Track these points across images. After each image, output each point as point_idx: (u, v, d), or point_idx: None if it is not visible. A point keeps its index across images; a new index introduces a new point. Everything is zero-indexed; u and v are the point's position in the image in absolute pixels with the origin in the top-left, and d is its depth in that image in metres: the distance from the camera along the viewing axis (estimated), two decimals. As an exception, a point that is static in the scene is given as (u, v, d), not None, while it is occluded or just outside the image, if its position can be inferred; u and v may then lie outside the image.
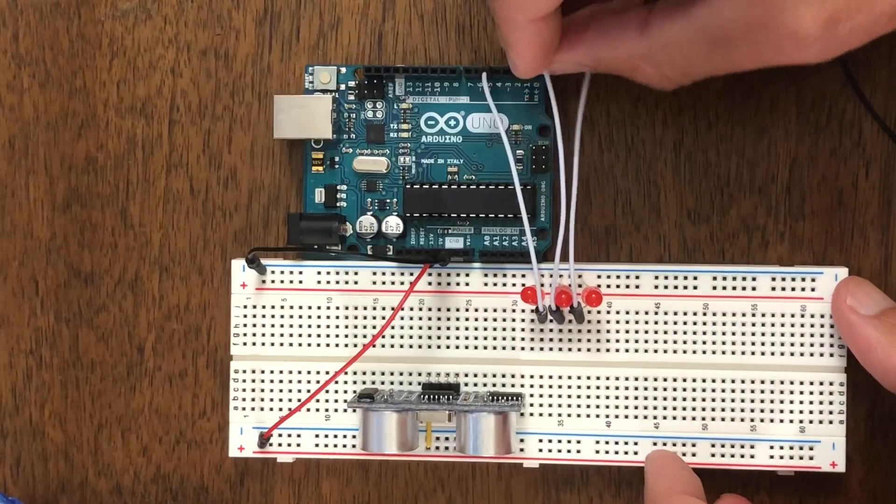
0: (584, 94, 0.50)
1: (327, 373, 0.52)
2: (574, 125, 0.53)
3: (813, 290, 0.50)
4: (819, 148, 0.52)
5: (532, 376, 0.52)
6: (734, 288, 0.51)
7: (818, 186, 0.52)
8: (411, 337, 0.52)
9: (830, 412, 0.50)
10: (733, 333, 0.51)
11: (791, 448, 0.51)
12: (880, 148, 0.52)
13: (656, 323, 0.51)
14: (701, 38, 0.44)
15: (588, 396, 0.52)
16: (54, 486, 0.56)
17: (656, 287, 0.51)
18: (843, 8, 0.42)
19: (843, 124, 0.52)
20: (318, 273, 0.52)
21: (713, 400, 0.51)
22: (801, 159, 0.52)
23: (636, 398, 0.51)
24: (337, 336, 0.52)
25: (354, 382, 0.53)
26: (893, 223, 0.52)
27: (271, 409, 0.53)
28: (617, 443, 0.51)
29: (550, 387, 0.52)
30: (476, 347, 0.52)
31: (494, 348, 0.52)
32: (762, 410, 0.51)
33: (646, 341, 0.51)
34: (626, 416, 0.51)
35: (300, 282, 0.52)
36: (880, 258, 0.52)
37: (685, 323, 0.51)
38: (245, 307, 0.53)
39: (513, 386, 0.52)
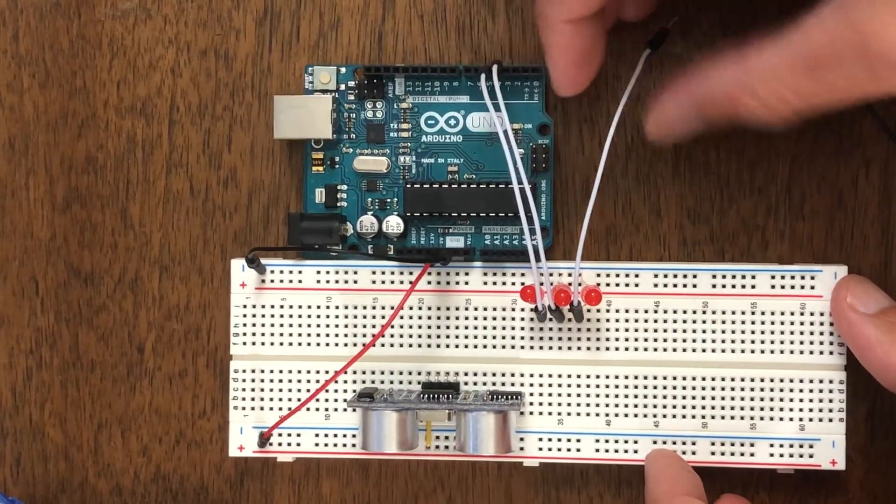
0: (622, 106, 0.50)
1: (327, 372, 0.52)
2: (572, 124, 0.53)
3: (812, 288, 0.50)
4: (819, 148, 0.52)
5: (532, 375, 0.52)
6: (734, 286, 0.51)
7: (818, 186, 0.52)
8: (411, 336, 0.52)
9: (830, 410, 0.50)
10: (733, 332, 0.51)
11: (791, 446, 0.51)
12: (880, 148, 0.52)
13: (656, 321, 0.51)
14: (796, 64, 0.43)
15: (588, 395, 0.52)
16: (54, 486, 0.56)
17: (656, 286, 0.51)
18: None
19: (843, 124, 0.52)
20: (318, 273, 0.52)
21: (713, 398, 0.51)
22: (801, 159, 0.52)
23: (636, 397, 0.51)
24: (337, 336, 0.52)
25: (354, 382, 0.53)
26: (893, 223, 0.52)
27: (271, 409, 0.53)
28: (617, 441, 0.51)
29: (550, 385, 0.52)
30: (476, 346, 0.52)
31: (494, 347, 0.52)
32: (762, 409, 0.51)
33: (645, 340, 0.51)
34: (626, 415, 0.51)
35: (300, 281, 0.52)
36: (880, 258, 0.52)
37: (685, 321, 0.51)
38: (245, 307, 0.53)
39: (512, 385, 0.52)
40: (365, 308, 0.52)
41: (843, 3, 0.42)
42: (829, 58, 0.43)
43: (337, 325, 0.52)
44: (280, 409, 0.53)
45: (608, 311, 0.51)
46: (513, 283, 0.52)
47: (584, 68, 0.49)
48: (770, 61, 0.45)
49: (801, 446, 0.51)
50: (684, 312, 0.51)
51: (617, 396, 0.51)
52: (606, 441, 0.52)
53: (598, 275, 0.51)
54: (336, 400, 0.53)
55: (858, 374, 0.49)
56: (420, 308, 0.52)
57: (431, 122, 0.53)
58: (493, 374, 0.52)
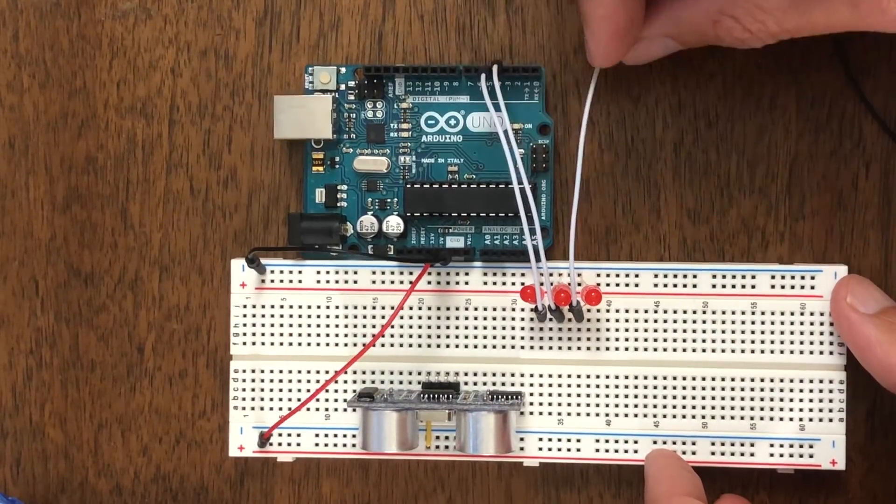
0: (591, 91, 0.50)
1: (327, 372, 0.52)
2: (572, 124, 0.53)
3: (812, 287, 0.50)
4: (819, 148, 0.52)
5: (532, 375, 0.52)
6: (734, 286, 0.51)
7: (818, 186, 0.52)
8: (411, 336, 0.52)
9: (830, 410, 0.50)
10: (733, 332, 0.51)
11: (791, 446, 0.51)
12: (880, 148, 0.52)
13: (656, 321, 0.51)
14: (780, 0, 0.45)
15: (588, 395, 0.52)
16: (54, 486, 0.56)
17: (656, 285, 0.51)
18: None
19: (843, 124, 0.52)
20: (318, 273, 0.52)
21: (713, 398, 0.51)
22: (801, 159, 0.52)
23: (636, 397, 0.51)
24: (336, 336, 0.52)
25: (354, 382, 0.53)
26: (893, 223, 0.52)
27: (271, 409, 0.53)
28: (617, 441, 0.51)
29: (550, 385, 0.52)
30: (476, 346, 0.52)
31: (494, 347, 0.52)
32: (762, 408, 0.51)
33: (645, 340, 0.51)
34: (626, 415, 0.51)
35: (300, 281, 0.52)
36: (880, 258, 0.52)
37: (685, 321, 0.51)
38: (245, 307, 0.53)
39: (512, 385, 0.52)
40: (365, 308, 0.52)
41: None
42: None
43: (337, 325, 0.52)
44: (280, 409, 0.53)
45: (608, 311, 0.51)
46: (513, 283, 0.52)
47: (623, 40, 0.48)
48: None
49: (801, 446, 0.51)
50: (684, 312, 0.51)
51: (617, 396, 0.51)
52: (606, 441, 0.52)
53: (598, 275, 0.51)
54: (336, 400, 0.53)
55: (858, 374, 0.49)
56: (420, 308, 0.52)
57: (431, 122, 0.53)
58: (493, 374, 0.52)
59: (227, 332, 0.55)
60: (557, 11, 0.53)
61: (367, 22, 0.54)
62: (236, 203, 0.55)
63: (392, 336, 0.52)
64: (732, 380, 0.51)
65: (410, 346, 0.52)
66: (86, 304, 0.55)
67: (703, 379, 0.51)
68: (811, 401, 0.50)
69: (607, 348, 0.51)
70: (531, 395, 0.52)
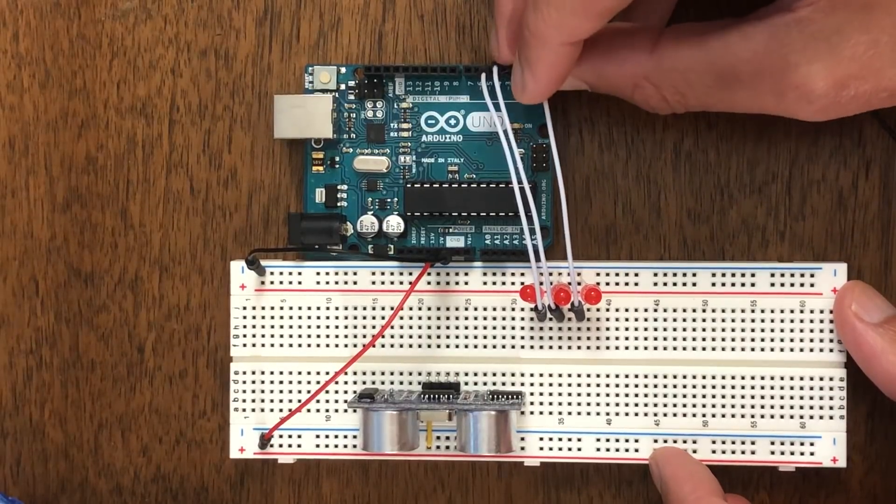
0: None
1: (327, 373, 0.52)
2: (572, 124, 0.53)
3: (812, 285, 0.50)
4: (819, 148, 0.52)
5: (532, 374, 0.52)
6: (733, 284, 0.51)
7: (818, 186, 0.52)
8: (411, 336, 0.52)
9: (831, 407, 0.50)
10: (733, 330, 0.51)
11: (792, 444, 0.51)
12: (880, 148, 0.52)
13: (656, 320, 0.51)
14: (708, 70, 0.45)
15: (588, 394, 0.52)
16: (54, 486, 0.56)
17: (655, 284, 0.51)
18: (853, 75, 0.43)
19: (843, 124, 0.52)
20: (318, 273, 0.52)
21: (713, 396, 0.51)
22: (801, 159, 0.52)
23: (636, 396, 0.51)
24: (337, 336, 0.52)
25: (354, 382, 0.53)
26: (893, 223, 0.52)
27: (272, 410, 0.53)
28: (618, 440, 0.51)
29: (551, 385, 0.52)
30: (476, 346, 0.52)
31: (494, 347, 0.52)
32: (762, 406, 0.51)
33: (645, 339, 0.51)
34: (627, 414, 0.51)
35: (299, 282, 0.52)
36: (880, 258, 0.52)
37: (685, 320, 0.51)
38: (244, 308, 0.53)
39: (513, 384, 0.52)
40: (365, 309, 0.52)
41: (774, 28, 0.44)
42: (744, 74, 0.45)
43: (337, 326, 0.52)
44: (280, 410, 0.53)
45: (608, 310, 0.51)
46: (513, 283, 0.52)
47: (562, 80, 0.48)
48: (683, 58, 0.46)
49: (801, 444, 0.51)
50: (684, 311, 0.51)
51: (617, 395, 0.51)
52: (607, 440, 0.52)
53: (598, 274, 0.51)
54: (336, 401, 0.53)
55: (858, 372, 0.49)
56: (420, 308, 0.52)
57: (431, 121, 0.53)
58: (494, 374, 0.52)
59: (227, 331, 0.54)
60: (557, 11, 0.53)
61: (367, 22, 0.54)
62: (236, 203, 0.55)
63: (392, 336, 0.52)
64: (733, 378, 0.51)
65: (410, 346, 0.52)
66: (86, 304, 0.55)
67: (704, 377, 0.51)
68: (811, 398, 0.50)
69: (607, 347, 0.51)
70: (531, 394, 0.52)
